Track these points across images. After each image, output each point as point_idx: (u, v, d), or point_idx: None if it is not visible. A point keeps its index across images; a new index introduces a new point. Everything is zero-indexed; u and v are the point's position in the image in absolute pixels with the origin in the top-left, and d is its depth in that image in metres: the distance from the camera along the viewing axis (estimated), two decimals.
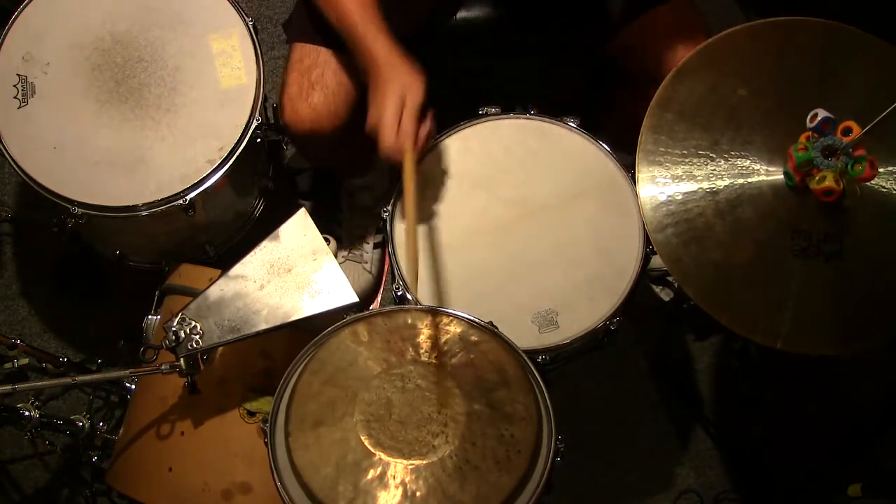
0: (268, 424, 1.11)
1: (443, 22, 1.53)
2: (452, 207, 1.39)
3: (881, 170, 1.15)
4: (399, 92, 1.19)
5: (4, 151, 1.34)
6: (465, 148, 1.42)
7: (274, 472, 1.08)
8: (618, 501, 1.82)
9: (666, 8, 1.38)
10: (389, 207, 1.38)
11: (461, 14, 1.55)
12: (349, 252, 1.81)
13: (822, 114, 1.11)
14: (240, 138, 1.38)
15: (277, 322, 1.19)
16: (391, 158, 1.21)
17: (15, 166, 1.34)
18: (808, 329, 1.16)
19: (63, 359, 1.64)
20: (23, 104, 1.36)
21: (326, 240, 1.77)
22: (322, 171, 1.88)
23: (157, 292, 1.46)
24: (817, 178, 1.10)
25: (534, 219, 1.38)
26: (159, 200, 1.35)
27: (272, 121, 1.48)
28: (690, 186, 1.18)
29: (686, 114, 1.20)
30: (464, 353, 1.14)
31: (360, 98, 1.41)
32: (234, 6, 1.44)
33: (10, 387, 1.14)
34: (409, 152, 1.20)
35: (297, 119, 1.38)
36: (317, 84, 1.37)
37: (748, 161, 1.18)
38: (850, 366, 1.84)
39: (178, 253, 1.57)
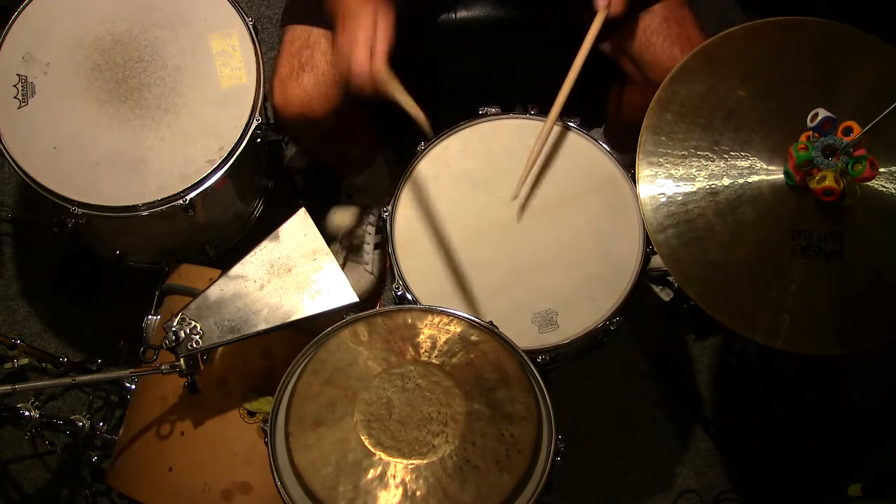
0: (268, 424, 1.11)
1: (438, 18, 1.52)
2: (452, 207, 1.39)
3: (881, 169, 1.15)
4: (371, 16, 1.13)
5: (4, 151, 1.34)
6: (465, 148, 1.42)
7: (274, 472, 1.08)
8: (618, 501, 1.82)
9: (659, 7, 1.39)
10: (389, 207, 1.38)
11: (461, 14, 1.55)
12: (349, 254, 1.81)
13: (822, 113, 1.11)
14: (240, 138, 1.38)
15: (277, 322, 1.19)
16: (366, 86, 1.14)
17: (15, 166, 1.34)
18: (808, 329, 1.16)
19: (63, 359, 1.64)
20: (23, 104, 1.36)
21: (347, 206, 1.76)
22: (319, 166, 1.88)
23: (157, 292, 1.46)
24: (817, 177, 1.10)
25: (534, 219, 1.38)
26: (159, 200, 1.35)
27: (272, 121, 1.49)
28: (690, 187, 1.18)
29: (686, 114, 1.20)
30: (464, 352, 1.14)
31: None
32: (234, 6, 1.44)
33: (10, 387, 1.14)
34: (388, 74, 1.13)
35: (287, 102, 1.35)
36: (307, 65, 1.35)
37: (748, 161, 1.18)
38: (850, 366, 1.84)
39: (178, 253, 1.57)
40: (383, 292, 1.89)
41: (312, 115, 1.37)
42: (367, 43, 1.13)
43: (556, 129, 1.42)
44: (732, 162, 1.18)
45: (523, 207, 1.37)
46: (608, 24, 1.30)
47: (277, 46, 1.43)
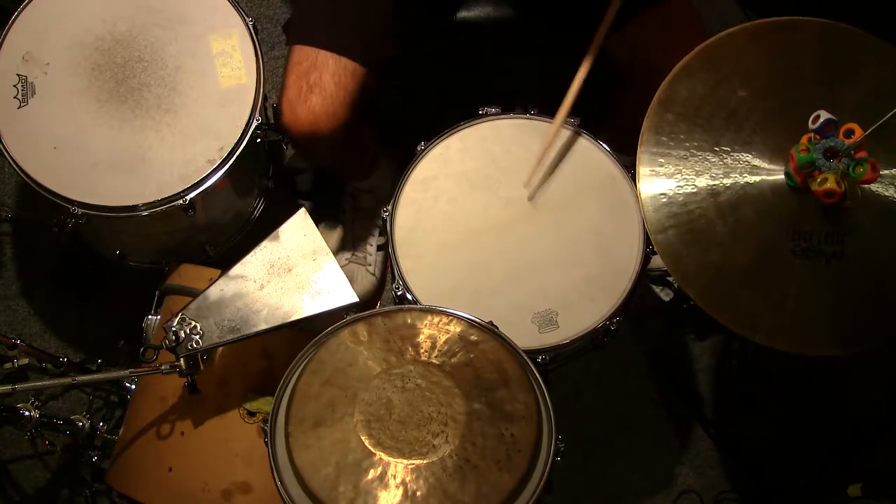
0: (268, 424, 1.11)
1: (442, 19, 1.53)
2: (452, 207, 1.39)
3: (883, 172, 1.15)
4: None
5: (4, 151, 1.34)
6: (464, 148, 1.42)
7: (274, 472, 1.08)
8: (618, 501, 1.82)
9: (663, 8, 1.38)
10: (389, 207, 1.38)
11: (461, 14, 1.55)
12: (352, 254, 1.81)
13: (824, 115, 1.11)
14: (240, 138, 1.38)
15: (277, 322, 1.19)
16: None
17: (15, 166, 1.34)
18: (808, 329, 1.16)
19: (63, 359, 1.63)
20: (23, 104, 1.36)
21: (334, 225, 1.77)
22: (323, 172, 1.89)
23: (157, 292, 1.46)
24: (819, 179, 1.10)
25: (534, 219, 1.38)
26: (159, 200, 1.35)
27: (272, 121, 1.49)
28: (691, 187, 1.18)
29: (686, 114, 1.20)
30: (464, 352, 1.14)
31: (358, 99, 1.41)
32: (234, 6, 1.44)
33: (10, 387, 1.14)
34: None
35: (296, 122, 1.38)
36: (315, 87, 1.37)
37: (749, 162, 1.18)
38: (849, 366, 1.84)
39: (178, 253, 1.57)
40: (383, 293, 1.89)
41: (321, 134, 1.39)
42: None
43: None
44: (733, 163, 1.18)
45: (531, 199, 1.37)
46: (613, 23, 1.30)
47: (285, 61, 1.42)
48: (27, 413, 1.38)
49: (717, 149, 1.18)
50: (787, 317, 1.14)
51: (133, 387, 1.51)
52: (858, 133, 1.09)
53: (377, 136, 1.71)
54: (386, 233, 1.38)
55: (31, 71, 1.38)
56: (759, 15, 1.29)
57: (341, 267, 1.23)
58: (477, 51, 1.65)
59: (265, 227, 1.32)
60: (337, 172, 1.77)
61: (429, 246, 1.36)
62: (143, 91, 1.39)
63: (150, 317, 1.44)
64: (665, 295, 1.84)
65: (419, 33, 1.52)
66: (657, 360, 1.88)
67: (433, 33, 1.55)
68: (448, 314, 1.18)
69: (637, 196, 1.20)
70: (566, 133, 1.42)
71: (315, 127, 1.37)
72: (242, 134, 1.38)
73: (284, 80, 1.41)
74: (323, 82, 1.37)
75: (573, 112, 1.41)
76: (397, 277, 1.35)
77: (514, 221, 1.37)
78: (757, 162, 1.17)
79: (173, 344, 1.18)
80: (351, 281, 1.22)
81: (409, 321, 1.18)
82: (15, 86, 1.37)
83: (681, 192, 1.18)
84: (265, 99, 1.43)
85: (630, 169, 1.35)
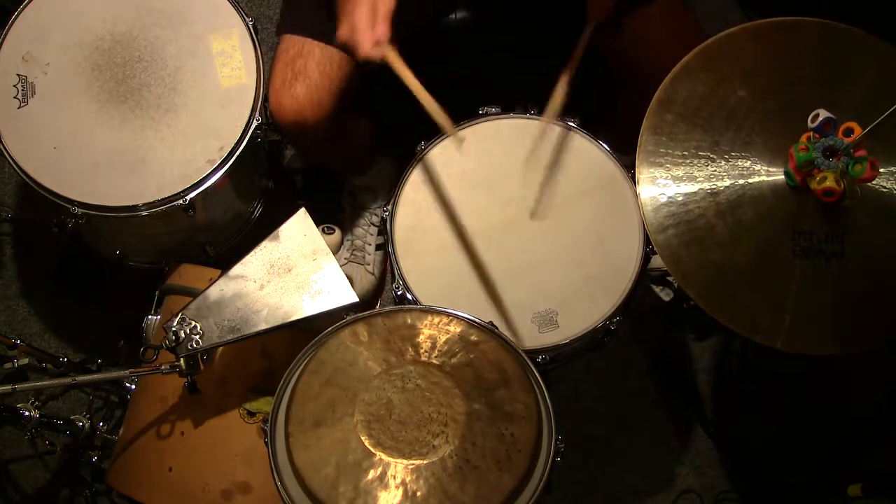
0: (268, 424, 1.11)
1: (441, 18, 1.53)
2: (452, 208, 1.39)
3: (882, 170, 1.15)
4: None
5: (4, 151, 1.34)
6: (464, 148, 1.42)
7: (274, 472, 1.08)
8: (618, 501, 1.82)
9: (655, 7, 1.39)
10: (389, 207, 1.38)
11: (461, 14, 1.55)
12: (351, 254, 1.81)
13: (823, 114, 1.11)
14: (240, 138, 1.38)
15: (277, 322, 1.19)
16: (372, 58, 1.19)
17: (15, 166, 1.34)
18: (808, 329, 1.16)
19: (63, 359, 1.64)
20: (23, 104, 1.36)
21: (331, 229, 1.77)
22: (321, 169, 1.88)
23: (157, 292, 1.46)
24: (818, 178, 1.10)
25: (534, 219, 1.38)
26: (159, 200, 1.35)
27: (272, 120, 1.49)
28: (691, 187, 1.18)
29: (686, 114, 1.20)
30: (464, 352, 1.14)
31: (344, 89, 1.41)
32: (234, 6, 1.44)
33: (10, 387, 1.14)
34: (390, 48, 1.18)
35: (281, 110, 1.38)
36: (300, 75, 1.37)
37: (749, 162, 1.18)
38: (849, 366, 1.84)
39: (178, 253, 1.57)
40: (382, 293, 1.89)
41: (305, 123, 1.39)
42: (369, 23, 1.16)
43: (557, 128, 1.42)
44: (733, 162, 1.18)
45: (533, 213, 1.37)
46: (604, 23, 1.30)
47: (273, 52, 1.43)
48: (27, 413, 1.38)
49: (716, 148, 1.18)
50: (787, 316, 1.14)
51: (133, 387, 1.51)
52: (857, 132, 1.09)
53: (376, 134, 1.71)
54: (386, 232, 1.38)
55: (31, 71, 1.38)
56: (759, 15, 1.29)
57: (340, 266, 1.23)
58: (476, 51, 1.64)
59: (265, 227, 1.32)
60: (332, 166, 1.77)
61: (429, 246, 1.36)
62: (143, 91, 1.39)
63: (150, 317, 1.44)
64: (665, 295, 1.84)
65: (414, 30, 1.52)
66: (657, 360, 1.88)
67: (430, 32, 1.55)
68: (448, 314, 1.18)
69: (637, 196, 1.20)
70: (566, 133, 1.42)
71: (300, 115, 1.38)
72: (242, 134, 1.38)
73: (272, 68, 1.41)
74: (308, 70, 1.37)
75: (573, 112, 1.41)
76: (397, 277, 1.35)
77: (514, 221, 1.37)
78: (756, 162, 1.17)
79: (173, 344, 1.18)
80: (350, 280, 1.22)
81: (409, 321, 1.18)
82: (15, 86, 1.37)
83: (680, 192, 1.18)
84: (265, 99, 1.43)
85: (630, 169, 1.35)
